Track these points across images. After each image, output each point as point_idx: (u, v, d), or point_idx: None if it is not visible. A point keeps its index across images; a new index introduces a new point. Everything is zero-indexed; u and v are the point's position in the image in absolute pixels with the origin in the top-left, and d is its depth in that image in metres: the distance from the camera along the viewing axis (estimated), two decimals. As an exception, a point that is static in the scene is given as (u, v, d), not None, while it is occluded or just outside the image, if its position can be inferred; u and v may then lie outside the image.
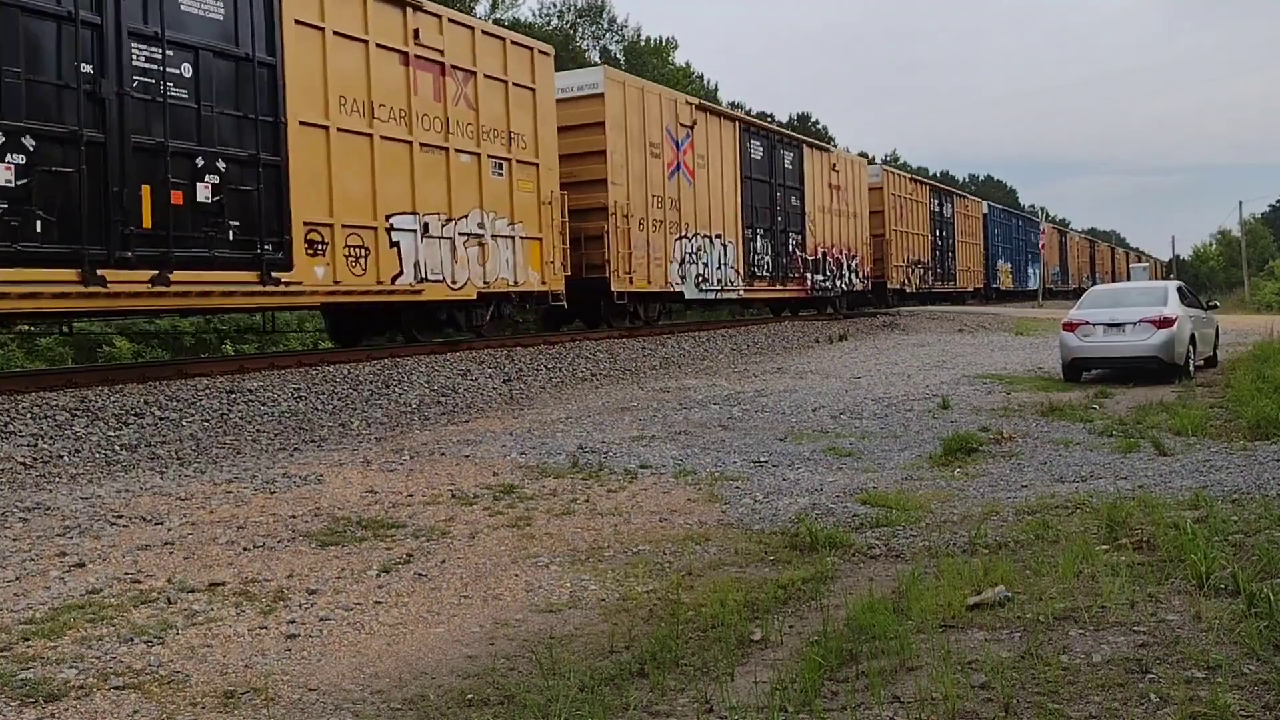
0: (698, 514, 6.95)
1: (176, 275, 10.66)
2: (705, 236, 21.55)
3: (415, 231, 13.76)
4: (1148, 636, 4.12)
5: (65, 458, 8.46)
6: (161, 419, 9.70)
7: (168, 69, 10.58)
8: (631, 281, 18.88)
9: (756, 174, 23.99)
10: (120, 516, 6.64)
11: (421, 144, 13.93)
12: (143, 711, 3.81)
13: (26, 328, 13.28)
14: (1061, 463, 8.39)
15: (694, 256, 21.09)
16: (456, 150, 14.59)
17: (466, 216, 14.78)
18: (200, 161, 10.93)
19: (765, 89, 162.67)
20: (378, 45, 13.21)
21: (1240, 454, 8.26)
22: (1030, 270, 53.35)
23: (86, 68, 9.83)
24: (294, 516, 6.77)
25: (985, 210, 45.42)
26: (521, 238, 15.86)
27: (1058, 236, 64.22)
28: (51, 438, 8.73)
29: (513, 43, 16.14)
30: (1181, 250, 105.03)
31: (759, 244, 24.04)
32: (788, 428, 10.64)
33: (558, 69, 17.71)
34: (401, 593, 5.27)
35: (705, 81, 56.18)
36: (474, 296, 15.02)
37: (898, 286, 33.84)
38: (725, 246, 22.36)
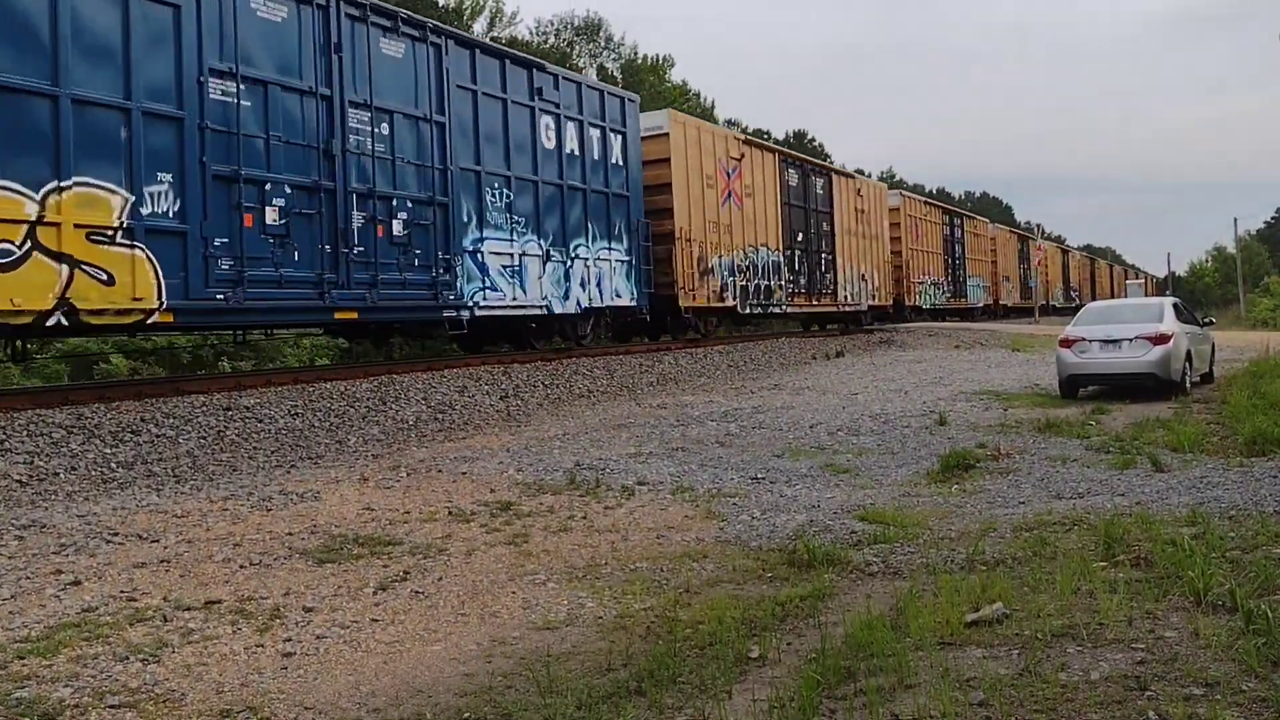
0: (695, 531, 6.94)
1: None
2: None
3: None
4: (1146, 653, 4.12)
5: (61, 475, 8.45)
6: (158, 436, 9.68)
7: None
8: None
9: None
10: (116, 534, 6.63)
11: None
12: (138, 731, 3.80)
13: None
14: (1059, 479, 8.39)
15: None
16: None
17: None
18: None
19: (761, 106, 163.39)
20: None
21: (1237, 470, 8.27)
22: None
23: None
24: (290, 534, 6.76)
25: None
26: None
27: (1060, 255, 64.16)
28: (48, 455, 8.72)
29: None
30: (1177, 267, 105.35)
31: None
32: (785, 444, 10.64)
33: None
34: (398, 610, 5.25)
35: (702, 99, 56.34)
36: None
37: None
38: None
